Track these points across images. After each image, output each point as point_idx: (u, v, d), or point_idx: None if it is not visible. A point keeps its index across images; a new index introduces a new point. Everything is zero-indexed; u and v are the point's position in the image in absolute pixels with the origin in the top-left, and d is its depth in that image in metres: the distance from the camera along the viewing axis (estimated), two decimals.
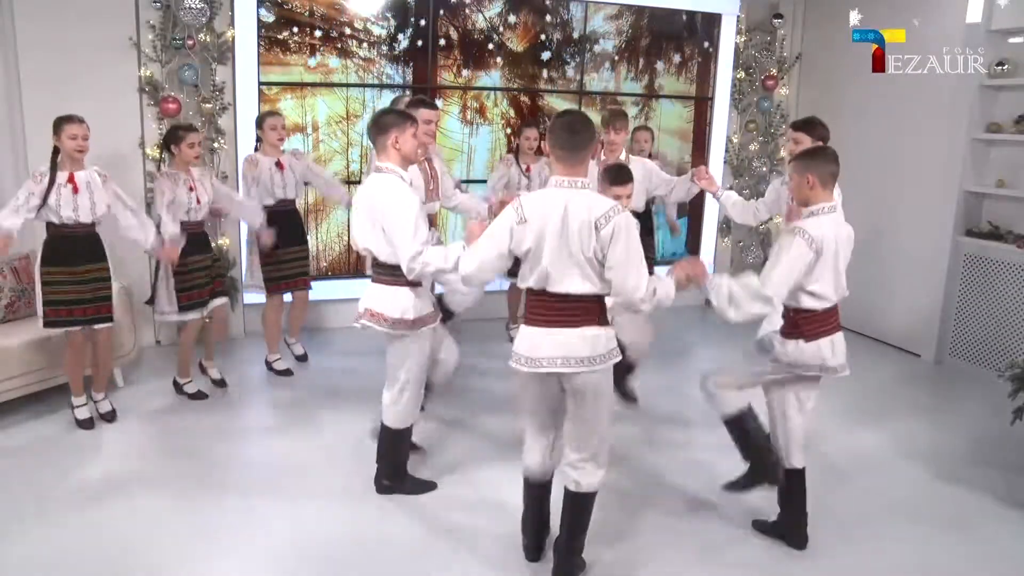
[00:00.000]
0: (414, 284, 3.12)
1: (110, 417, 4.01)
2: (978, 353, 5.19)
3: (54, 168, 3.65)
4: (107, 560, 2.85)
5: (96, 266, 3.82)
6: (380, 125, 3.08)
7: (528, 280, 2.57)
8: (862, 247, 5.78)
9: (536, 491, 2.88)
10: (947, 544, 3.15)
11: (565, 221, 2.47)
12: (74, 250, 3.74)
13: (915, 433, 4.22)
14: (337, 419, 4.10)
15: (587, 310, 2.55)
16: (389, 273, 3.12)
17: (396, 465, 3.39)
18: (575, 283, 2.51)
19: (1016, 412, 3.55)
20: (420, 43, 5.56)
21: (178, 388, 4.37)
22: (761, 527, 3.18)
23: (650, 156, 5.13)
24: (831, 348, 2.89)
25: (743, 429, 3.07)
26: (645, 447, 3.92)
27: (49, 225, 3.71)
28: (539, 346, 2.56)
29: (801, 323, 2.87)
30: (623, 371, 3.90)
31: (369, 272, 3.26)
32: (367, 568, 2.87)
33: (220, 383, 4.50)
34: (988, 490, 3.57)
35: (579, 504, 2.77)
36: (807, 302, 2.84)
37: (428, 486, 3.42)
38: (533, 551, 2.93)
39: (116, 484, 3.39)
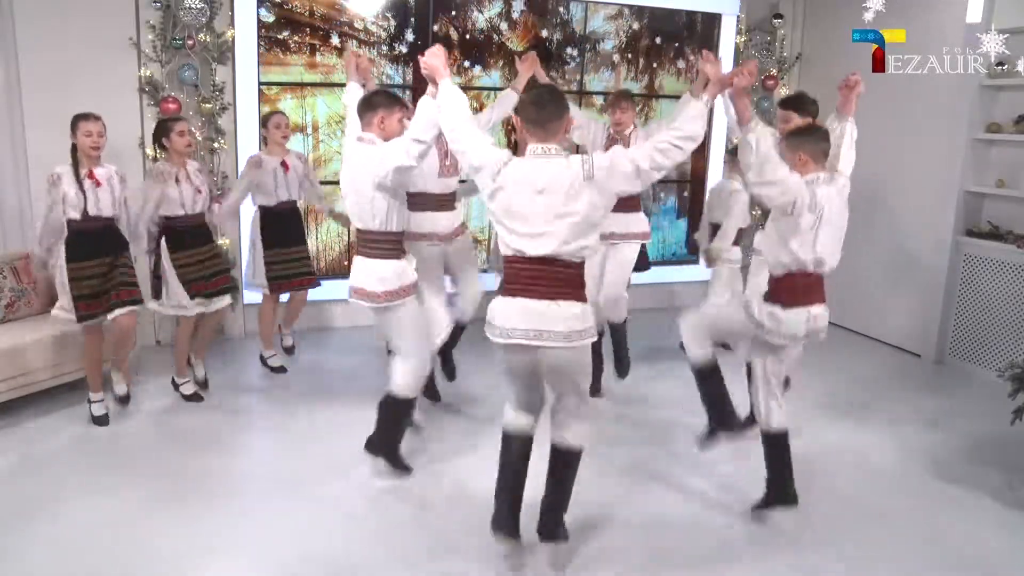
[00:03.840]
0: (395, 256, 3.23)
1: (124, 401, 4.07)
2: (978, 353, 5.19)
3: (75, 165, 3.66)
4: (105, 560, 2.85)
5: (119, 255, 3.84)
6: (370, 104, 3.23)
7: (507, 245, 2.58)
8: (862, 246, 5.87)
9: (513, 445, 2.77)
10: (947, 544, 3.15)
11: (547, 182, 2.49)
12: (97, 242, 3.76)
13: (915, 433, 4.21)
14: (336, 421, 4.09)
15: (565, 281, 2.54)
16: (369, 244, 3.23)
17: (392, 435, 3.42)
18: (552, 243, 2.51)
19: (1016, 412, 3.55)
20: (420, 43, 5.56)
21: (176, 387, 4.36)
22: (758, 508, 3.24)
23: None
24: (807, 319, 3.00)
25: (706, 381, 3.28)
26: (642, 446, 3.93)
27: (70, 222, 3.69)
28: (511, 316, 2.56)
29: (781, 290, 3.00)
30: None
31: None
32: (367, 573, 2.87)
33: (202, 384, 4.43)
34: (988, 490, 3.57)
35: (564, 460, 2.78)
36: (789, 261, 2.97)
37: (405, 470, 3.47)
38: (498, 520, 2.74)
39: (114, 485, 3.39)
